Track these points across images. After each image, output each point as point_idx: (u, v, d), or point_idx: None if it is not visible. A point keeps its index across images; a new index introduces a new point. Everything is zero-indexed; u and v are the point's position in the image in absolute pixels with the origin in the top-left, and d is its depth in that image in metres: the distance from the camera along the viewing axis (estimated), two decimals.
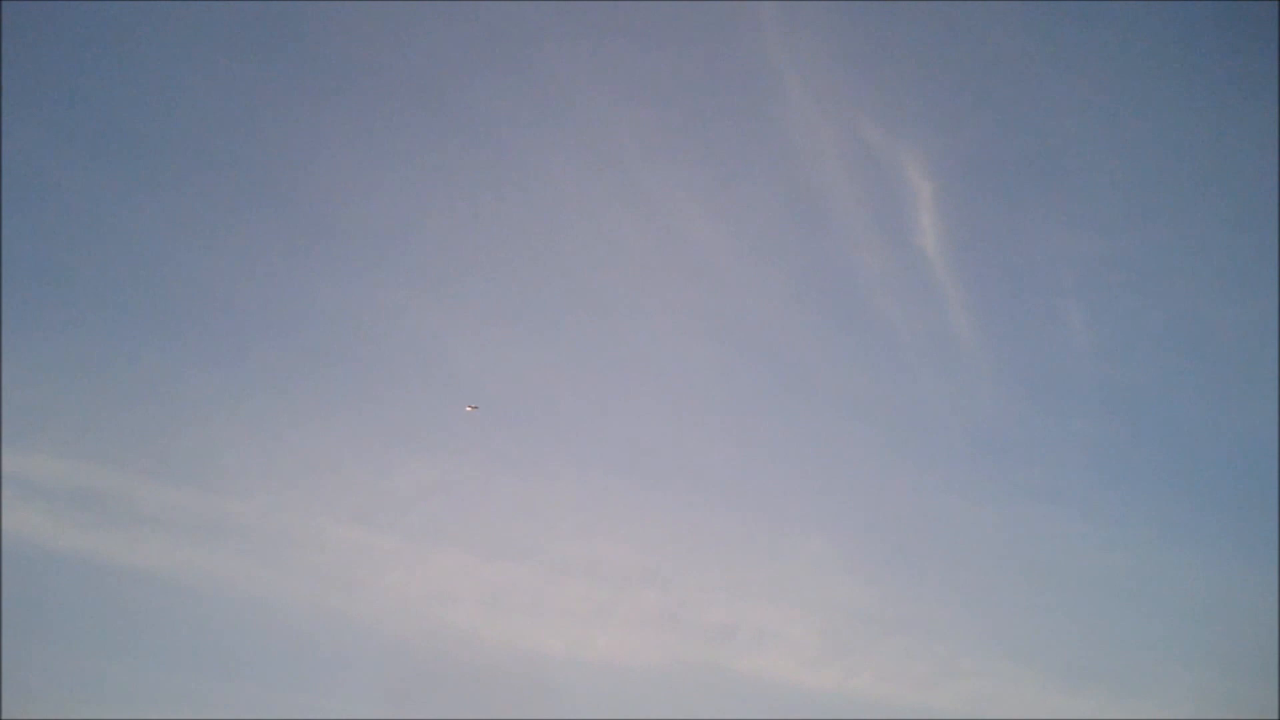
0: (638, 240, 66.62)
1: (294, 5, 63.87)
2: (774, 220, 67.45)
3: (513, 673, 51.37)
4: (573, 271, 65.92)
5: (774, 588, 57.54)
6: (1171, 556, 58.74)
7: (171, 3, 61.69)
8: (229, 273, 61.45)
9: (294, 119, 65.12)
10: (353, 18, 64.50)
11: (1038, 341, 65.19)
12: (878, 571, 59.08)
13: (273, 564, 53.64)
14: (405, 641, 51.99)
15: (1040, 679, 53.93)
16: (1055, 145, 67.00)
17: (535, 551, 57.18)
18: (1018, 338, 65.54)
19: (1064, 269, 65.60)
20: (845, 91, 67.07)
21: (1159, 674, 53.60)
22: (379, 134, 66.29)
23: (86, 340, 57.21)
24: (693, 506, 60.00)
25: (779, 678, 54.25)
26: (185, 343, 59.38)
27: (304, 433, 58.34)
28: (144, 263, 60.15)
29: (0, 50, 54.77)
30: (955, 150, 66.84)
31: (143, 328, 59.02)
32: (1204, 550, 58.41)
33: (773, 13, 66.90)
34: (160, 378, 57.60)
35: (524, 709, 48.14)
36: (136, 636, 49.76)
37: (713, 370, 64.70)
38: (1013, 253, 66.79)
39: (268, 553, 53.81)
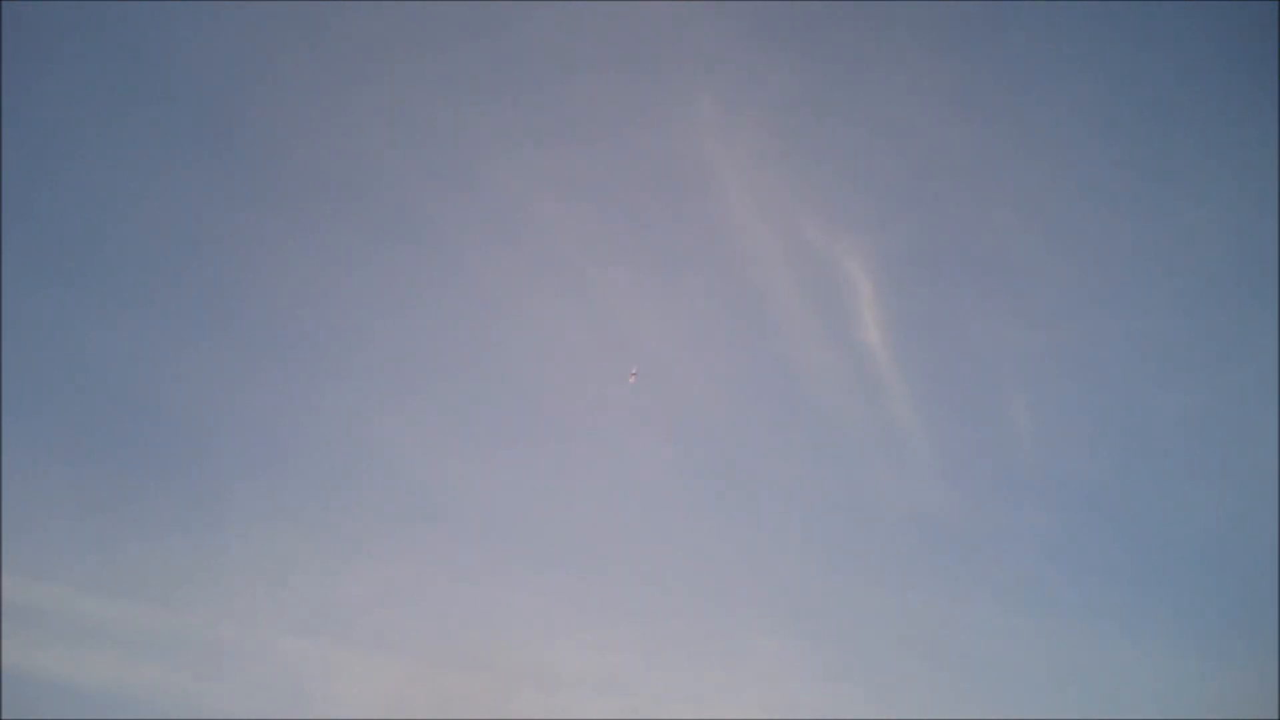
0: (583, 340, 67.85)
1: (242, 115, 66.06)
2: (717, 317, 69.06)
3: None
4: (520, 374, 66.98)
5: (733, 690, 56.90)
6: (1124, 647, 58.49)
7: (124, 111, 63.68)
8: (176, 385, 62.30)
9: (247, 232, 66.69)
10: (302, 127, 66.62)
11: (983, 433, 65.87)
12: (834, 669, 58.48)
13: (220, 677, 52.88)
14: None
15: None
16: (994, 238, 69.37)
17: (490, 659, 56.41)
18: (963, 430, 66.27)
19: (1006, 361, 66.94)
20: (783, 189, 69.53)
21: None
22: (330, 243, 68.06)
23: (21, 452, 57.21)
24: (647, 609, 59.66)
25: None
26: (127, 453, 59.76)
27: (250, 541, 58.08)
28: (91, 378, 60.90)
29: None
30: (895, 245, 69.03)
31: (83, 441, 59.31)
32: (1157, 639, 58.22)
33: (710, 111, 69.22)
34: (101, 489, 57.65)
35: None
36: None
37: (661, 470, 65.18)
38: (955, 346, 68.12)
39: (215, 665, 53.17)
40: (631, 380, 57.86)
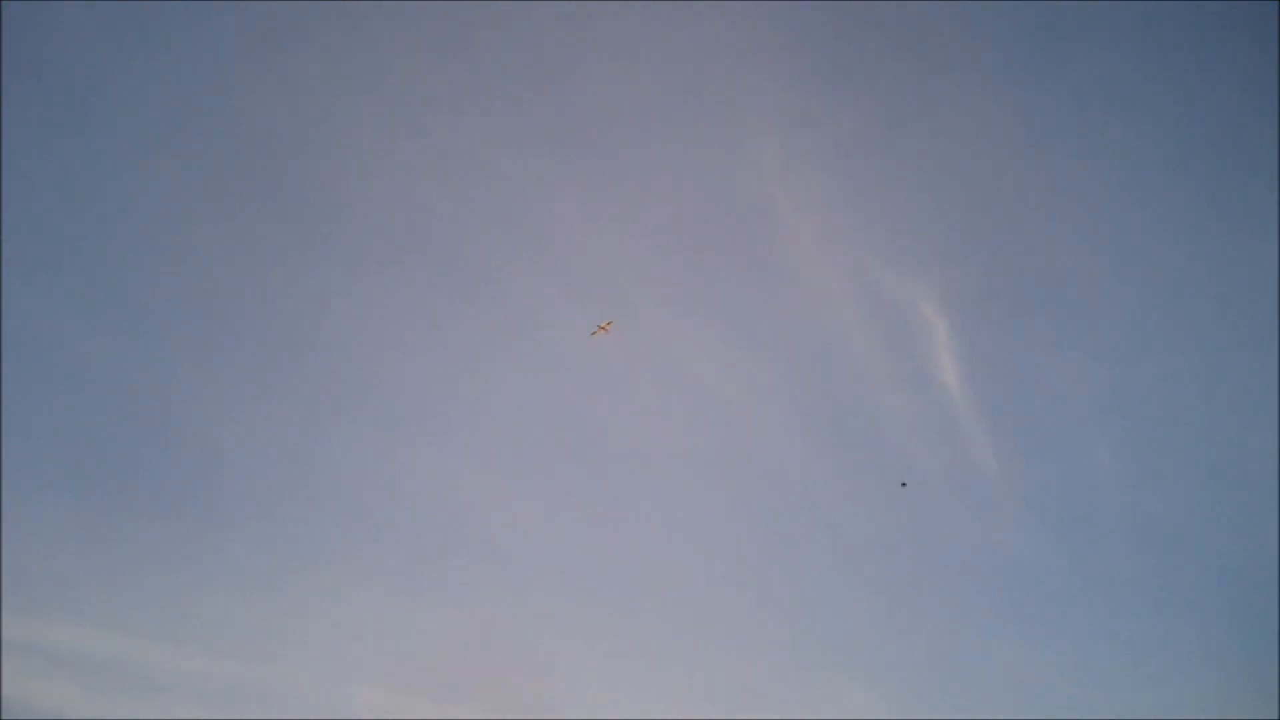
0: (651, 389, 67.15)
1: (306, 165, 66.07)
2: (786, 363, 68.47)
3: None
4: (590, 427, 66.21)
5: None
6: (1207, 691, 57.18)
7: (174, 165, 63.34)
8: (246, 439, 62.30)
9: (311, 288, 66.30)
10: (365, 178, 66.66)
11: (1062, 472, 64.84)
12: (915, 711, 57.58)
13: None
14: None
15: None
16: (1067, 273, 68.41)
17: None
18: (1041, 469, 65.26)
19: (1085, 398, 65.80)
20: (851, 231, 68.53)
21: None
22: (393, 297, 67.51)
23: (98, 510, 57.46)
24: (726, 658, 58.88)
25: None
26: (202, 513, 59.43)
27: (325, 595, 57.84)
28: (162, 434, 60.97)
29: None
30: (967, 284, 68.33)
31: (158, 499, 59.26)
32: (1240, 682, 56.92)
33: (772, 154, 68.59)
34: (175, 547, 57.55)
35: None
36: None
37: (731, 518, 64.34)
38: (1033, 384, 67.29)
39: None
40: (606, 330, 55.93)
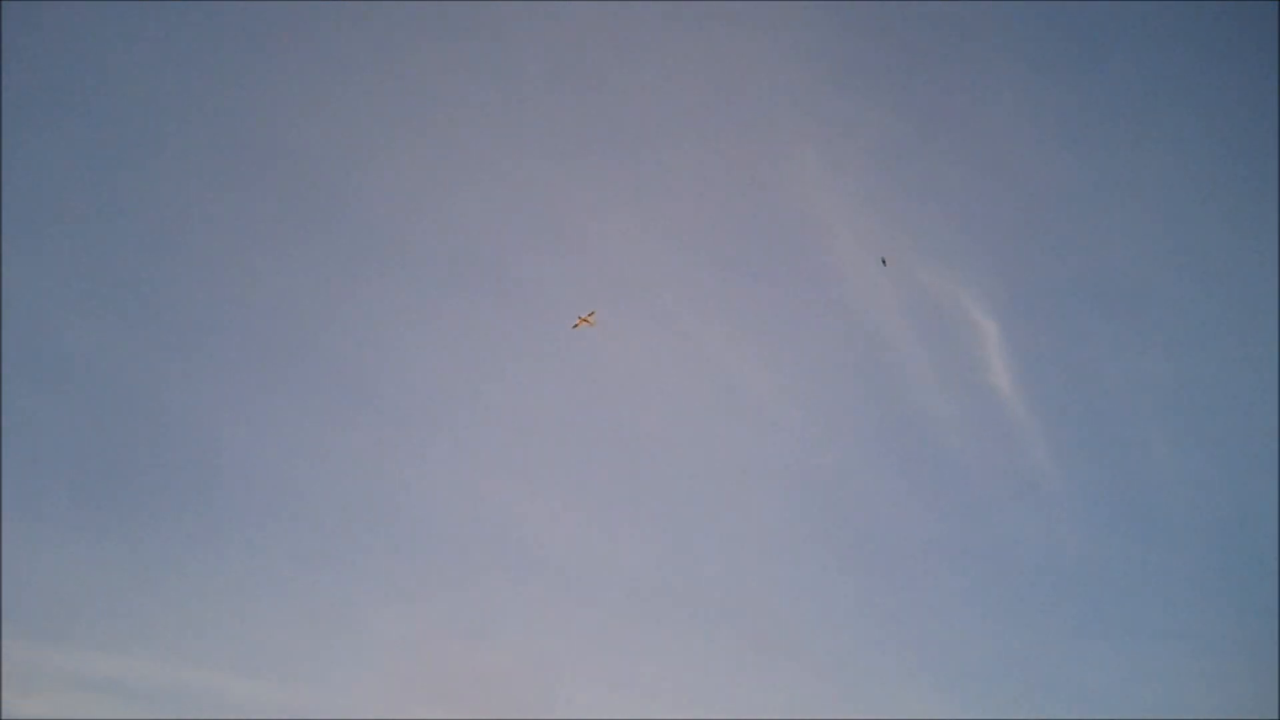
0: (695, 397, 66.99)
1: (363, 199, 66.75)
2: (834, 371, 67.94)
3: None
4: (636, 437, 66.08)
5: None
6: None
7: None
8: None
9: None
10: (418, 203, 67.41)
11: (1122, 471, 63.97)
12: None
13: None
14: None
15: None
16: (1119, 269, 67.48)
17: None
18: (1100, 469, 64.48)
19: (1142, 394, 64.72)
20: (895, 236, 67.76)
21: None
22: (426, 309, 67.82)
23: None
24: (779, 671, 58.60)
25: None
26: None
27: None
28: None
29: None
30: (1017, 284, 67.54)
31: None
32: None
33: (812, 162, 68.14)
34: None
35: None
36: None
37: (783, 528, 64.02)
38: (1088, 382, 66.25)
39: None
40: (589, 323, 55.16)
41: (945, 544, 62.61)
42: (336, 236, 66.86)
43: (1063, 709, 56.71)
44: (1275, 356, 62.88)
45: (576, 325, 55.07)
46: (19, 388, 56.51)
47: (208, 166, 66.01)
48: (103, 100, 63.92)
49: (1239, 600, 59.14)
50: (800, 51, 68.41)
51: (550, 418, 65.90)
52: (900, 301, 66.18)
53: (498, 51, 68.69)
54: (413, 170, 68.32)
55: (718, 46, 69.01)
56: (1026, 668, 59.07)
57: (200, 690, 52.34)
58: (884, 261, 56.04)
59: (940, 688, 58.11)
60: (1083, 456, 64.25)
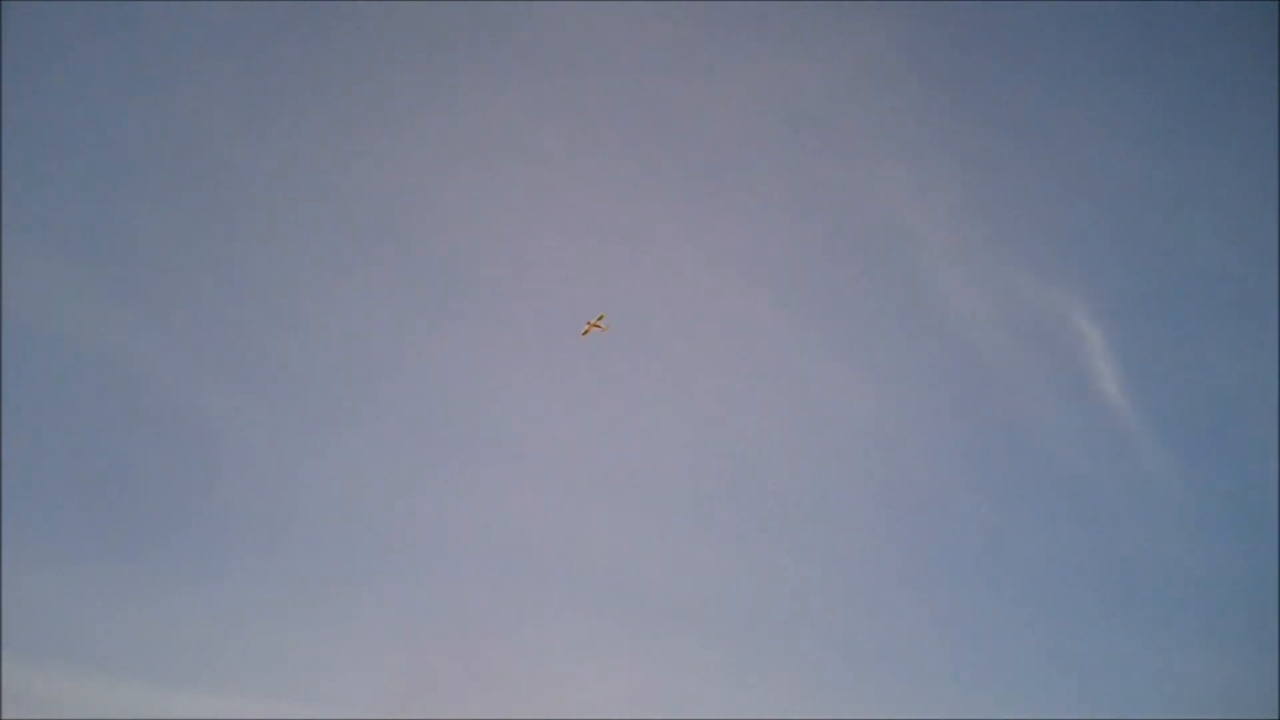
0: (795, 425, 66.30)
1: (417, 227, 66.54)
2: (936, 387, 66.84)
3: None
4: (737, 468, 65.58)
5: None
6: None
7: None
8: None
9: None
10: (485, 232, 67.48)
11: (1241, 475, 61.85)
12: None
13: None
14: None
15: None
16: (1226, 269, 65.41)
17: None
18: (1218, 474, 62.50)
19: (1258, 395, 62.43)
20: (991, 248, 67.11)
21: None
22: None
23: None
24: (904, 678, 58.04)
25: None
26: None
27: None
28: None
29: None
30: (1119, 288, 66.14)
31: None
32: None
33: (902, 178, 67.86)
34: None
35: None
36: None
37: (893, 550, 63.43)
38: (1201, 387, 64.46)
39: None
40: (600, 328, 53.31)
41: (1064, 557, 61.67)
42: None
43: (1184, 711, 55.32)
44: None
45: (586, 332, 53.43)
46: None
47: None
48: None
49: None
50: (881, 71, 68.56)
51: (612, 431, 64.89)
52: (999, 314, 65.70)
53: (587, 70, 68.58)
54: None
55: (793, 64, 69.19)
56: (1159, 677, 57.74)
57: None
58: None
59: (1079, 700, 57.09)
60: (1198, 462, 62.67)
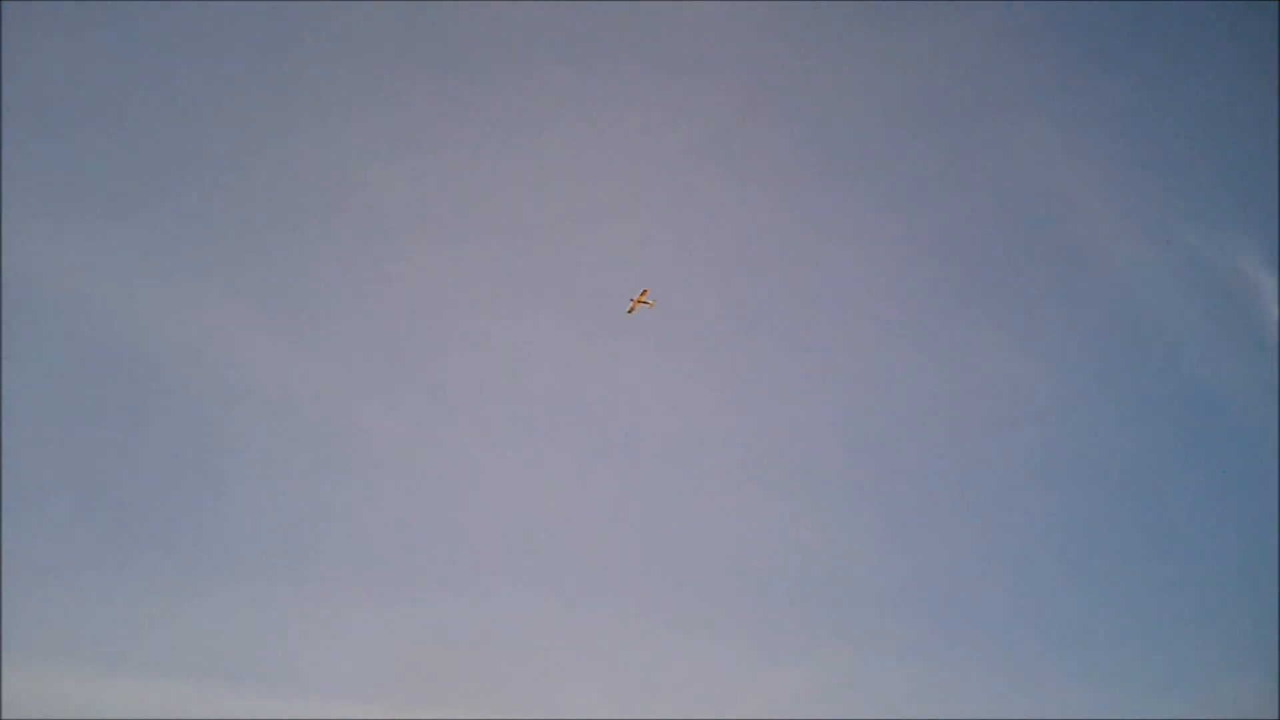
0: (955, 399, 62.86)
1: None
2: (1102, 351, 62.16)
3: None
4: (897, 439, 63.19)
5: None
6: None
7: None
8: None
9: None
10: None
11: None
12: None
13: None
14: None
15: None
16: None
17: None
18: None
19: None
20: (1150, 199, 63.24)
21: None
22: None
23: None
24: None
25: None
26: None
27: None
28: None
29: None
30: None
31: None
32: None
33: (1048, 137, 65.02)
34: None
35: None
36: None
37: (1067, 525, 59.61)
38: None
39: None
40: (645, 303, 51.71)
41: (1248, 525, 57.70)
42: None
43: None
44: None
45: (631, 309, 52.41)
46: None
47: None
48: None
49: None
50: (1015, 27, 65.37)
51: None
52: (1165, 267, 61.04)
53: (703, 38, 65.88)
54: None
55: (926, 31, 66.78)
56: None
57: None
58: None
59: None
60: None
